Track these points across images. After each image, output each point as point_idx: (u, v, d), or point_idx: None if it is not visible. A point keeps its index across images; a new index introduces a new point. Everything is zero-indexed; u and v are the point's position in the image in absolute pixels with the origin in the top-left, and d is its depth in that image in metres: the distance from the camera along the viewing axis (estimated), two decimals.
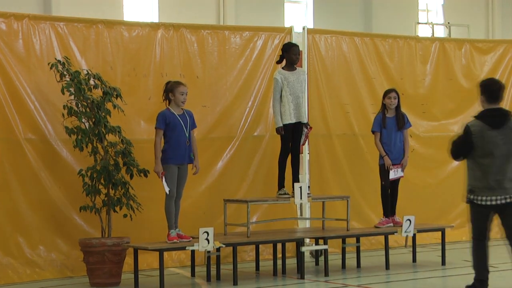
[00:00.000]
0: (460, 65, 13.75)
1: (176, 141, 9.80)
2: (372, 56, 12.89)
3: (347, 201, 11.03)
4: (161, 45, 11.25)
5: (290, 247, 11.60)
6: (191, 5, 21.65)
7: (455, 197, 13.15)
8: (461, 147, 8.54)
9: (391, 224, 11.30)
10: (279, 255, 10.86)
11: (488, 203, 8.54)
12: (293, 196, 10.69)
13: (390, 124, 11.23)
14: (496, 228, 14.07)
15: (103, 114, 10.03)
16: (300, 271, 10.39)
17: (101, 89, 10.14)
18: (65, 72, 9.98)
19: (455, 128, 13.29)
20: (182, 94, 9.85)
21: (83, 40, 10.77)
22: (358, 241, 11.23)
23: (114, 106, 10.13)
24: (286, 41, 11.79)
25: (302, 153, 11.84)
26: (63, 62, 10.04)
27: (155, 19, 20.75)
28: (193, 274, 10.51)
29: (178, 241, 9.76)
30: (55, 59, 10.17)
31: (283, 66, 11.06)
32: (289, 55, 10.94)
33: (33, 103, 10.38)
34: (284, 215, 11.80)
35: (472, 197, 8.57)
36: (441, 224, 11.97)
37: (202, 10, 21.80)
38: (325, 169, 12.36)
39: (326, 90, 12.41)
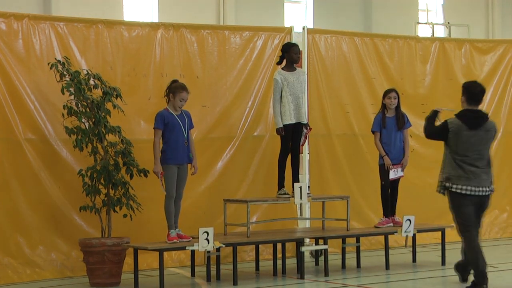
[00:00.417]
0: (460, 65, 13.75)
1: (175, 142, 9.80)
2: (372, 56, 12.89)
3: (347, 201, 11.03)
4: (161, 45, 11.25)
5: (290, 247, 11.60)
6: (191, 5, 21.67)
7: None
8: (436, 134, 9.25)
9: (391, 224, 11.30)
10: (279, 255, 10.86)
11: (465, 192, 8.95)
12: (293, 196, 10.69)
13: (390, 124, 11.23)
14: (496, 228, 14.19)
15: (103, 114, 10.03)
16: (300, 271, 10.39)
17: (101, 89, 10.14)
18: (65, 72, 9.98)
19: None
20: (181, 101, 9.85)
21: (83, 40, 10.77)
22: (358, 241, 11.24)
23: (114, 106, 10.13)
24: (286, 41, 11.79)
25: (302, 153, 11.84)
26: (63, 62, 10.05)
27: (155, 19, 20.76)
28: (193, 274, 10.51)
29: (178, 241, 9.76)
30: (55, 59, 10.17)
31: (283, 66, 11.06)
32: (290, 54, 10.94)
33: (33, 103, 10.38)
34: (284, 215, 11.80)
35: (448, 184, 9.00)
36: (441, 224, 11.96)
37: (202, 10, 21.82)
38: (325, 169, 12.36)
39: (326, 90, 12.40)
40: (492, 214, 14.05)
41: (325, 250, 10.50)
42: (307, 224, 12.06)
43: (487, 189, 9.04)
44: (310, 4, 24.34)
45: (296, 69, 11.04)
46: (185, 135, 9.88)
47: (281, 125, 10.81)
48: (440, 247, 11.42)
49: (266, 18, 21.54)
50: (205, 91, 11.53)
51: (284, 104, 10.85)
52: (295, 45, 11.11)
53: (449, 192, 9.06)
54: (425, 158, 13.11)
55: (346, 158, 12.54)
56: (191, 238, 9.81)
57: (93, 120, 10.01)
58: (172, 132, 9.80)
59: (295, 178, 10.98)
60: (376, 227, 11.40)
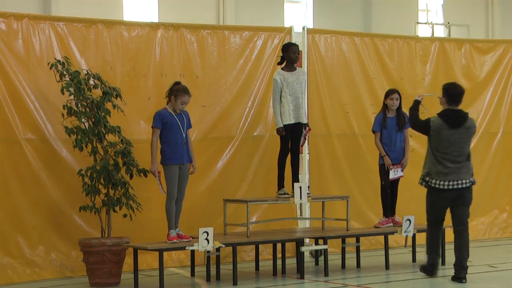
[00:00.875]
0: (460, 65, 13.76)
1: (174, 141, 9.80)
2: (372, 56, 12.89)
3: (347, 201, 11.03)
4: (160, 45, 11.24)
5: (290, 247, 11.61)
6: (191, 5, 21.67)
7: None
8: (419, 128, 9.94)
9: (391, 224, 11.30)
10: (279, 255, 10.86)
11: (442, 187, 9.65)
12: (292, 196, 10.69)
13: (391, 124, 11.23)
14: (495, 228, 14.20)
15: (103, 114, 10.03)
16: (300, 271, 10.39)
17: (100, 89, 10.14)
18: (64, 72, 9.98)
19: None
20: (182, 104, 9.85)
21: (82, 40, 10.77)
22: (358, 241, 11.24)
23: (114, 106, 10.13)
24: (286, 41, 11.79)
25: (302, 153, 11.84)
26: (62, 62, 10.04)
27: (155, 19, 20.78)
28: (193, 274, 10.52)
29: (178, 241, 9.76)
30: (55, 59, 10.17)
31: (282, 66, 11.05)
32: (288, 54, 10.94)
33: (33, 103, 10.38)
34: (284, 215, 11.80)
35: (427, 179, 9.74)
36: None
37: (202, 10, 21.82)
38: (325, 169, 12.36)
39: (326, 90, 12.40)
40: (492, 214, 14.07)
41: (325, 250, 10.50)
42: (307, 224, 12.06)
43: (467, 181, 9.71)
44: (310, 4, 24.35)
45: (296, 69, 11.04)
46: (184, 135, 9.87)
47: (281, 125, 10.81)
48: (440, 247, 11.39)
49: (266, 18, 21.55)
50: (205, 91, 11.53)
51: (284, 104, 10.85)
52: (294, 45, 11.10)
53: (428, 186, 9.79)
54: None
55: (346, 158, 12.54)
56: (191, 238, 9.81)
57: (93, 120, 10.01)
58: (171, 132, 9.80)
59: (295, 178, 10.98)
60: (376, 227, 11.40)
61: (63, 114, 10.02)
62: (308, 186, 11.06)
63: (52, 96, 10.37)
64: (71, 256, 10.52)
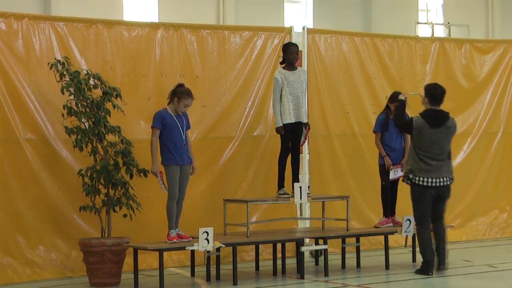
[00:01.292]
0: (460, 65, 13.76)
1: (174, 142, 9.80)
2: (372, 56, 12.89)
3: (347, 201, 11.03)
4: (160, 45, 11.24)
5: (290, 247, 11.60)
6: (191, 5, 21.68)
7: (454, 197, 13.11)
8: (402, 127, 10.37)
9: (391, 224, 11.31)
10: (279, 255, 10.86)
11: (426, 184, 10.03)
12: (293, 196, 10.69)
13: (393, 126, 11.21)
14: (495, 228, 14.20)
15: (103, 114, 10.03)
16: (300, 271, 10.39)
17: (101, 89, 10.14)
18: (65, 72, 9.98)
19: None
20: (185, 107, 9.86)
21: (82, 40, 10.76)
22: (358, 241, 11.24)
23: (114, 106, 10.13)
24: (286, 41, 11.79)
25: (302, 153, 11.84)
26: (63, 62, 10.04)
27: (155, 19, 20.78)
28: (193, 274, 10.52)
29: (178, 241, 9.76)
30: (55, 59, 10.16)
31: (283, 66, 11.05)
32: (287, 54, 10.95)
33: (33, 103, 10.38)
34: (284, 215, 11.80)
35: (410, 176, 10.13)
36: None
37: (202, 10, 21.83)
38: (325, 169, 12.36)
39: (326, 90, 12.40)
40: (492, 214, 14.07)
41: (325, 250, 10.50)
42: (307, 224, 12.06)
43: (447, 178, 10.15)
44: (310, 4, 24.35)
45: (296, 68, 11.04)
46: (183, 137, 9.88)
47: (281, 124, 10.81)
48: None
49: (266, 18, 21.55)
50: (205, 91, 11.53)
51: (284, 104, 10.85)
52: (293, 45, 11.10)
53: (411, 184, 10.15)
54: None
55: (346, 158, 12.54)
56: (191, 238, 9.81)
57: (93, 120, 10.01)
58: (171, 132, 9.80)
59: (295, 178, 10.97)
60: (376, 227, 11.41)
61: (63, 114, 10.02)
62: (308, 186, 11.05)
63: (52, 96, 10.37)
64: (71, 256, 10.52)
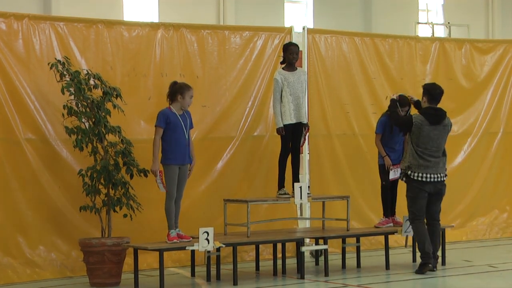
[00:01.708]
0: (460, 65, 13.75)
1: (176, 142, 9.80)
2: (372, 56, 12.89)
3: (347, 201, 11.03)
4: (161, 45, 11.24)
5: (290, 247, 11.60)
6: (191, 5, 21.68)
7: (455, 197, 13.17)
8: (401, 124, 10.61)
9: (391, 224, 11.30)
10: (279, 255, 10.86)
11: (425, 179, 10.26)
12: (293, 196, 10.69)
13: (395, 128, 11.20)
14: (496, 228, 14.20)
15: (103, 114, 10.03)
16: (300, 271, 10.39)
17: (101, 89, 10.14)
18: (65, 72, 9.98)
19: (455, 128, 13.32)
20: (191, 98, 9.88)
21: (83, 40, 10.76)
22: (358, 241, 11.23)
23: (114, 106, 10.13)
24: (286, 41, 11.79)
25: (302, 153, 11.84)
26: (63, 62, 10.04)
27: (155, 19, 20.78)
28: (193, 274, 10.52)
29: (178, 241, 9.76)
30: (55, 59, 10.16)
31: (283, 66, 11.05)
32: (287, 54, 10.95)
33: (33, 103, 10.38)
34: (284, 215, 11.80)
35: (409, 172, 10.34)
36: (441, 224, 11.95)
37: (202, 10, 21.83)
38: (325, 169, 12.36)
39: (326, 90, 12.40)
40: (492, 214, 14.07)
41: (325, 250, 10.50)
42: (307, 224, 12.06)
43: (443, 174, 10.43)
44: (310, 4, 24.35)
45: (296, 69, 11.04)
46: (187, 135, 9.88)
47: (282, 125, 10.81)
48: (440, 247, 11.39)
49: (266, 18, 21.54)
50: (205, 91, 11.53)
51: (284, 104, 10.85)
52: (293, 45, 11.10)
53: (409, 180, 10.36)
54: None
55: (346, 158, 12.54)
56: (191, 238, 9.81)
57: (93, 120, 10.01)
58: (174, 131, 9.80)
59: (295, 178, 10.97)
60: (376, 227, 11.41)
61: (63, 114, 10.02)
62: (308, 186, 11.05)
63: (52, 96, 10.36)
64: (71, 256, 10.52)
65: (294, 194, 10.66)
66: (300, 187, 10.60)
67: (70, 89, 9.89)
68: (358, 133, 12.63)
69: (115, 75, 10.90)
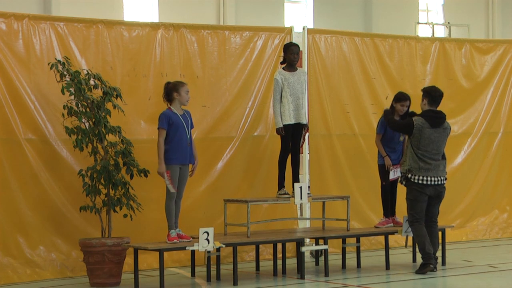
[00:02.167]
0: (460, 65, 13.75)
1: (178, 142, 9.80)
2: (372, 56, 12.89)
3: (347, 201, 11.03)
4: (161, 45, 11.24)
5: (290, 247, 11.61)
6: (191, 5, 21.68)
7: (455, 197, 13.17)
8: (401, 128, 10.65)
9: (391, 224, 11.30)
10: (279, 255, 10.86)
11: (426, 182, 10.30)
12: (293, 196, 10.69)
13: None
14: (496, 228, 14.20)
15: (103, 114, 10.03)
16: (300, 271, 10.39)
17: (101, 89, 10.14)
18: (65, 72, 9.98)
19: (455, 128, 13.32)
20: (187, 93, 9.88)
21: (83, 40, 10.77)
22: (358, 241, 11.23)
23: (114, 106, 10.13)
24: (286, 41, 11.79)
25: (302, 153, 11.84)
26: (63, 62, 10.04)
27: (155, 19, 20.78)
28: (193, 274, 10.52)
29: (178, 241, 9.76)
30: (55, 59, 10.17)
31: (283, 66, 11.05)
32: (288, 54, 10.95)
33: (33, 103, 10.38)
34: (284, 215, 11.80)
35: (409, 175, 10.38)
36: (441, 224, 11.94)
37: (202, 10, 21.83)
38: (325, 169, 12.36)
39: (326, 90, 12.40)
40: (492, 214, 14.07)
41: (325, 250, 10.50)
42: (307, 224, 12.06)
43: (443, 178, 10.48)
44: (310, 4, 24.35)
45: (296, 69, 11.04)
46: (188, 135, 9.88)
47: (281, 125, 10.81)
48: (440, 247, 11.40)
49: (266, 18, 21.55)
50: (205, 91, 11.53)
51: (284, 104, 10.85)
52: (294, 46, 11.09)
53: (410, 183, 10.40)
54: None
55: (346, 158, 12.54)
56: (191, 238, 9.81)
57: (93, 120, 10.01)
58: (176, 132, 9.80)
59: (295, 178, 10.97)
60: (376, 227, 11.40)
61: (63, 114, 10.02)
62: (309, 186, 11.05)
63: (53, 96, 10.37)
64: (71, 256, 10.52)
65: (294, 194, 10.66)
66: (300, 187, 10.60)
67: (70, 89, 9.89)
68: (358, 133, 12.63)
69: (115, 75, 10.90)
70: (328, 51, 12.48)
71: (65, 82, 9.93)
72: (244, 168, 11.77)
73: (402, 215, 11.09)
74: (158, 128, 9.83)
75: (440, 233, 11.55)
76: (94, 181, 9.97)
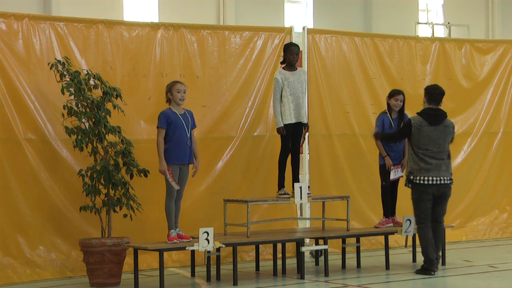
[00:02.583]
0: (460, 65, 13.75)
1: (177, 141, 9.80)
2: (372, 56, 12.89)
3: (347, 201, 11.03)
4: (161, 45, 11.24)
5: (290, 247, 11.61)
6: (191, 5, 21.68)
7: (455, 197, 13.13)
8: (401, 134, 10.61)
9: (391, 224, 11.30)
10: (279, 255, 10.86)
11: (426, 182, 10.19)
12: (293, 196, 10.69)
13: (394, 125, 11.20)
14: (496, 228, 14.20)
15: (103, 114, 10.03)
16: (300, 271, 10.39)
17: (101, 89, 10.14)
18: (65, 72, 9.98)
19: (455, 128, 13.31)
20: (179, 92, 9.86)
21: (83, 40, 10.77)
22: (358, 241, 11.23)
23: (114, 106, 10.13)
24: (286, 41, 11.79)
25: (302, 153, 11.84)
26: (63, 62, 10.04)
27: (155, 19, 20.77)
28: (193, 274, 10.52)
29: (178, 241, 9.76)
30: (55, 59, 10.17)
31: (283, 66, 11.05)
32: (287, 54, 10.95)
33: (33, 103, 10.38)
34: (284, 215, 11.80)
35: (411, 177, 10.30)
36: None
37: (202, 10, 21.84)
38: (325, 169, 12.36)
39: (326, 90, 12.40)
40: (492, 214, 14.07)
41: (325, 250, 10.50)
42: (307, 224, 12.06)
43: (446, 178, 10.33)
44: (310, 4, 24.36)
45: (296, 69, 11.04)
46: (188, 135, 9.88)
47: (282, 125, 10.81)
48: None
49: (266, 18, 21.55)
50: (205, 91, 11.53)
51: (284, 104, 10.85)
52: (293, 45, 11.09)
53: (413, 184, 10.32)
54: None
55: (346, 158, 12.54)
56: (191, 238, 9.81)
57: (93, 120, 10.01)
58: (175, 131, 9.80)
59: (295, 178, 10.97)
60: (376, 227, 11.40)
61: (63, 114, 10.02)
62: (309, 186, 11.05)
63: (52, 96, 10.37)
64: (71, 256, 10.52)
65: (294, 194, 10.65)
66: (300, 187, 10.60)
67: (70, 89, 9.89)
68: (358, 133, 12.63)
69: (115, 75, 10.90)
70: (328, 51, 12.48)
71: (65, 82, 9.93)
72: (244, 168, 11.77)
73: (402, 215, 11.09)
74: (157, 127, 9.84)
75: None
76: (94, 181, 9.97)
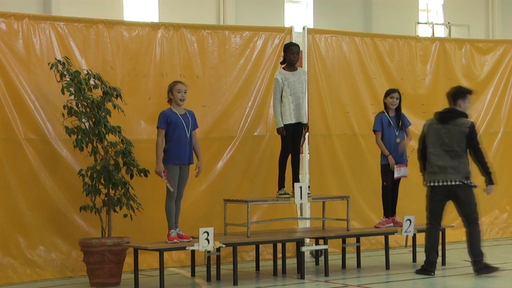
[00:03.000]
0: (460, 65, 13.76)
1: (177, 141, 9.80)
2: (372, 56, 12.89)
3: (347, 201, 11.03)
4: (161, 45, 11.25)
5: (290, 247, 11.61)
6: (191, 5, 21.66)
7: None
8: (422, 139, 10.42)
9: (391, 224, 11.30)
10: (279, 255, 10.86)
11: (433, 184, 10.17)
12: (293, 196, 10.69)
13: (395, 122, 11.21)
14: (496, 228, 14.19)
15: (103, 114, 10.03)
16: (300, 271, 10.39)
17: (101, 89, 10.14)
18: (65, 72, 9.99)
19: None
20: (179, 92, 9.86)
21: (83, 40, 10.77)
22: (358, 241, 11.24)
23: (114, 106, 10.13)
24: (286, 41, 11.79)
25: (302, 153, 11.84)
26: (63, 62, 10.05)
27: (155, 19, 20.75)
28: (193, 274, 10.52)
29: (178, 241, 9.76)
30: (55, 59, 10.17)
31: (284, 66, 11.05)
32: (288, 54, 10.95)
33: (33, 103, 10.38)
34: (284, 215, 11.80)
35: (423, 179, 10.34)
36: (442, 224, 11.95)
37: (202, 10, 21.81)
38: (325, 169, 12.36)
39: (326, 90, 12.41)
40: (492, 214, 14.07)
41: (325, 250, 10.50)
42: (307, 224, 12.06)
43: (454, 180, 10.17)
44: (310, 4, 24.34)
45: (297, 69, 11.04)
46: (188, 135, 9.88)
47: (282, 125, 10.81)
48: (440, 247, 11.39)
49: (266, 18, 21.53)
50: (205, 91, 11.53)
51: (285, 104, 10.85)
52: (294, 45, 11.09)
53: (425, 185, 10.38)
54: None
55: (346, 158, 12.54)
56: (191, 238, 9.81)
57: (93, 120, 10.01)
58: (175, 131, 9.80)
59: (295, 178, 10.97)
60: (376, 227, 11.40)
61: (63, 114, 10.02)
62: (309, 186, 11.05)
63: (53, 96, 10.37)
64: (71, 256, 10.53)
65: (294, 194, 10.66)
66: (300, 187, 10.60)
67: (70, 89, 9.90)
68: (358, 133, 12.63)
69: (115, 75, 10.90)
70: (328, 51, 12.49)
71: (65, 82, 9.94)
72: (244, 168, 11.77)
73: (402, 215, 11.10)
74: (157, 128, 9.84)
75: (440, 233, 11.57)
76: (94, 181, 9.98)
